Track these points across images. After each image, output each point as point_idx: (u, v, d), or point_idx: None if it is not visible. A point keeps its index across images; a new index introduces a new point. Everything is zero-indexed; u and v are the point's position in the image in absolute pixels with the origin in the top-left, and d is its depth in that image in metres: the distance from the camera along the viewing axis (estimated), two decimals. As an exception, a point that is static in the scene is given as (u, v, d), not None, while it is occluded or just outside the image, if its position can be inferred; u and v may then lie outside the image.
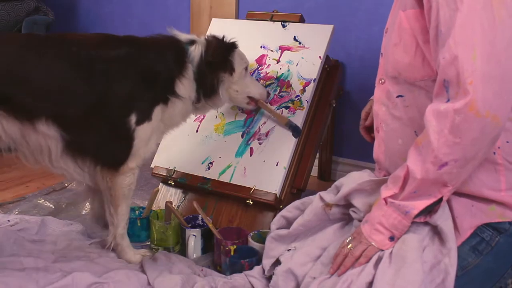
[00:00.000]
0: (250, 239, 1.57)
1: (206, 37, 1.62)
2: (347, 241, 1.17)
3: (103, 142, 1.46)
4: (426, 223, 1.12)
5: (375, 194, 1.20)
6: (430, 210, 1.10)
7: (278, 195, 1.72)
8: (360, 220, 1.21)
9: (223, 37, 1.64)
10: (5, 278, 1.36)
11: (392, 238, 1.11)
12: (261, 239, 1.54)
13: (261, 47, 2.03)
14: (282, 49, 1.99)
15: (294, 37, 1.97)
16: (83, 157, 1.47)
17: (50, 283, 1.36)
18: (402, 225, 1.11)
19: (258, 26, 2.08)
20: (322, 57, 1.89)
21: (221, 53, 1.60)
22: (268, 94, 1.80)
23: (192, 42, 1.58)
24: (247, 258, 1.49)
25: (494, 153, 1.12)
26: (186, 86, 1.54)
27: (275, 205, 1.72)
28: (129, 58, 1.46)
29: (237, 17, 2.63)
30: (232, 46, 1.65)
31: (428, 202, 1.09)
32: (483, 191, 1.13)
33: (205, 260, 1.63)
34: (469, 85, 0.98)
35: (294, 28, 1.99)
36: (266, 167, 1.78)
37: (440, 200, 1.09)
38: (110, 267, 1.50)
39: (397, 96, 1.22)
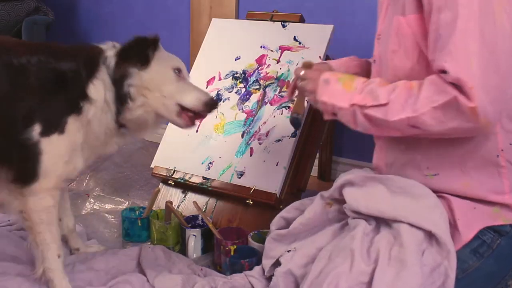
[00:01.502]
0: (250, 239, 1.57)
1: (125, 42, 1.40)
2: (302, 74, 1.29)
3: (6, 155, 1.27)
4: (419, 229, 1.12)
5: (365, 188, 1.20)
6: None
7: (278, 195, 1.72)
8: (351, 217, 1.22)
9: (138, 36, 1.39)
10: (5, 282, 1.36)
11: (335, 114, 1.22)
12: (261, 239, 1.54)
13: (261, 47, 2.03)
14: (282, 49, 1.99)
15: (294, 37, 1.97)
16: None
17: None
18: (361, 104, 1.15)
19: (258, 26, 2.08)
20: (322, 57, 1.89)
21: (134, 46, 1.36)
22: (208, 104, 1.40)
23: (113, 46, 1.39)
24: (247, 258, 1.49)
25: (498, 155, 1.12)
26: (98, 88, 1.32)
27: (275, 205, 1.72)
28: (36, 63, 1.28)
29: (237, 17, 2.63)
30: (152, 41, 1.38)
31: (382, 132, 1.21)
32: (486, 195, 1.13)
33: (205, 260, 1.63)
34: (470, 89, 0.98)
35: (294, 28, 1.99)
36: (266, 167, 1.78)
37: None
38: (110, 267, 1.50)
39: None
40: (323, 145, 2.33)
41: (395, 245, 1.11)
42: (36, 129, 1.25)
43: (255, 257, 1.49)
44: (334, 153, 2.43)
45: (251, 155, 1.82)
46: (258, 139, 1.84)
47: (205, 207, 1.85)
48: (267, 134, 1.83)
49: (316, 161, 2.32)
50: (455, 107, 1.01)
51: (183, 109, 1.38)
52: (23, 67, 1.26)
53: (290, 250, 1.35)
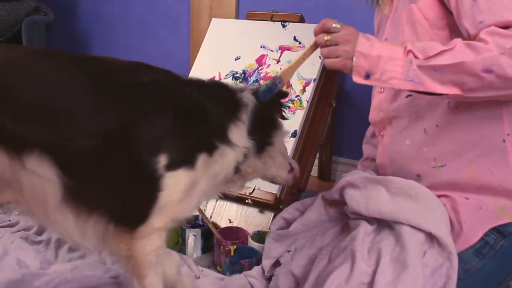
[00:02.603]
0: (250, 239, 1.57)
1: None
2: (335, 25, 1.10)
3: (119, 190, 1.04)
4: (419, 230, 1.12)
5: (365, 190, 1.20)
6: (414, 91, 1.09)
7: (278, 195, 1.72)
8: (351, 218, 1.22)
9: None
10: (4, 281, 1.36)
11: (368, 76, 1.08)
12: (261, 239, 1.54)
13: (261, 47, 2.03)
14: (282, 49, 1.99)
15: (294, 37, 1.98)
16: (88, 211, 1.05)
17: (53, 286, 1.36)
18: (388, 78, 1.07)
19: (258, 26, 2.08)
20: (322, 57, 1.88)
21: (278, 99, 1.25)
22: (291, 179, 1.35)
23: (241, 90, 1.21)
24: (247, 258, 1.49)
25: (504, 140, 1.12)
26: (241, 132, 1.15)
27: (275, 205, 1.72)
28: (167, 86, 1.11)
29: (237, 17, 2.63)
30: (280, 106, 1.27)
31: (434, 88, 1.05)
32: (494, 182, 1.13)
33: (205, 260, 1.63)
34: None
35: (294, 28, 1.99)
36: (266, 167, 1.78)
37: (427, 92, 1.07)
38: (109, 267, 1.50)
39: (406, 96, 1.23)
40: (323, 145, 2.33)
41: (396, 247, 1.11)
42: (162, 160, 1.04)
43: (255, 257, 1.49)
44: (334, 153, 2.43)
45: (251, 155, 1.82)
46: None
47: (205, 207, 1.85)
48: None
49: (316, 161, 2.32)
50: None
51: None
52: (155, 87, 1.09)
53: (290, 250, 1.35)
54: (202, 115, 1.11)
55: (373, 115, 1.37)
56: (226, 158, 1.14)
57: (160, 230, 1.10)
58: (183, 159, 1.07)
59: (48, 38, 3.06)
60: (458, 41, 1.04)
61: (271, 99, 1.19)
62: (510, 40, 0.98)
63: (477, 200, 1.15)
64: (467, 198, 1.16)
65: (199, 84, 1.17)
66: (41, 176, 0.99)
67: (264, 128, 1.21)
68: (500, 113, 1.12)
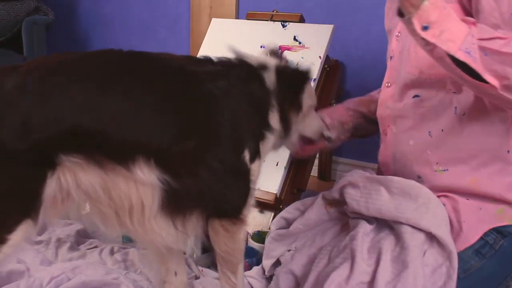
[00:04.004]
0: (250, 239, 1.57)
1: (276, 63, 1.27)
2: None
3: (217, 187, 1.09)
4: (419, 230, 1.12)
5: (365, 189, 1.20)
6: (463, 65, 1.01)
7: (278, 195, 1.72)
8: (351, 217, 1.22)
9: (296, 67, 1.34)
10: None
11: (425, 28, 0.99)
12: (261, 239, 1.54)
13: (261, 47, 2.03)
14: (282, 49, 1.99)
15: (294, 37, 1.97)
16: (186, 213, 1.09)
17: (55, 285, 1.36)
18: (446, 39, 1.00)
19: (258, 26, 2.08)
20: (322, 57, 1.89)
21: (296, 85, 1.30)
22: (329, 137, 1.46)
23: (263, 67, 1.24)
24: (247, 258, 1.49)
25: (508, 151, 1.12)
26: (276, 117, 1.22)
27: (275, 205, 1.71)
28: (235, 84, 1.14)
29: (237, 17, 2.63)
30: (306, 76, 1.33)
31: (481, 70, 1.00)
32: (495, 192, 1.14)
33: (205, 260, 1.63)
34: None
35: (294, 28, 1.99)
36: (266, 167, 1.76)
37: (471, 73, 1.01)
38: (109, 267, 1.50)
39: (413, 97, 1.22)
40: (323, 145, 2.33)
41: (396, 246, 1.11)
42: (246, 155, 1.12)
43: (255, 257, 1.49)
44: (334, 153, 2.43)
45: (251, 155, 1.82)
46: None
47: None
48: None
49: (316, 161, 2.32)
50: None
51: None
52: (227, 87, 1.13)
53: (290, 250, 1.35)
54: (258, 106, 1.18)
55: (380, 111, 1.36)
56: (269, 142, 1.22)
57: (248, 216, 1.18)
58: (256, 151, 1.16)
59: (48, 38, 3.07)
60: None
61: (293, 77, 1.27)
62: None
63: (477, 201, 1.15)
64: (467, 199, 1.16)
65: (239, 68, 1.20)
66: (143, 182, 1.00)
67: (287, 107, 1.25)
68: (506, 124, 1.12)
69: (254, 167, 1.16)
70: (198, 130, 1.05)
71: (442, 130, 1.18)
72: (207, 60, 1.18)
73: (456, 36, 0.99)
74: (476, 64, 0.99)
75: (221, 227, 1.13)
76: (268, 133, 1.20)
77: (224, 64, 1.18)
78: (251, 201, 1.18)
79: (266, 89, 1.21)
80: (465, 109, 1.15)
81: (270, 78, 1.21)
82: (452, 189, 1.17)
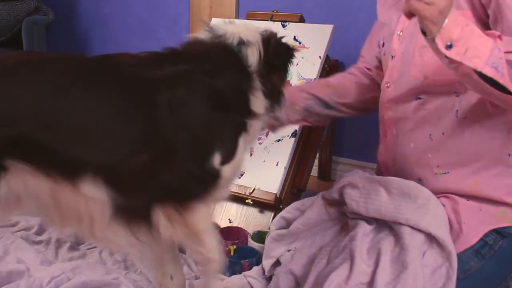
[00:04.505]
0: (250, 239, 1.57)
1: (261, 34, 1.20)
2: None
3: (175, 192, 1.05)
4: (419, 231, 1.12)
5: (365, 190, 1.20)
6: (490, 80, 0.99)
7: (278, 195, 1.72)
8: (350, 217, 1.22)
9: (279, 36, 1.26)
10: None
11: (450, 47, 0.98)
12: (261, 239, 1.54)
13: (261, 47, 2.03)
14: (282, 49, 1.99)
15: (294, 37, 1.97)
16: (141, 223, 1.04)
17: (55, 285, 1.36)
18: (472, 56, 0.98)
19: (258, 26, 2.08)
20: (322, 57, 1.89)
21: (283, 55, 1.26)
22: None
23: (242, 43, 1.16)
24: (247, 258, 1.49)
25: (509, 154, 1.12)
26: (260, 100, 1.16)
27: (275, 205, 1.72)
28: (196, 89, 1.07)
29: (237, 17, 2.62)
30: (293, 51, 1.29)
31: (509, 84, 0.99)
32: (495, 195, 1.13)
33: (205, 260, 1.63)
34: None
35: (294, 28, 1.99)
36: (266, 167, 1.78)
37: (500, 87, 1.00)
38: (109, 267, 1.50)
39: (416, 99, 1.22)
40: (323, 145, 2.33)
41: (396, 247, 1.11)
42: (217, 159, 1.06)
43: (255, 257, 1.49)
44: (334, 153, 2.43)
45: (251, 155, 1.82)
46: (258, 139, 1.84)
47: (205, 207, 1.85)
48: (267, 134, 1.83)
49: (316, 161, 2.32)
50: None
51: None
52: (179, 82, 1.06)
53: (290, 250, 1.35)
54: (229, 101, 1.10)
55: (380, 112, 1.36)
56: (256, 127, 1.16)
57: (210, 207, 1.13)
58: (232, 149, 1.10)
59: (48, 38, 3.06)
60: None
61: (278, 52, 1.19)
62: None
63: (477, 203, 1.15)
64: (467, 200, 1.16)
65: (210, 61, 1.12)
66: (91, 198, 0.96)
67: (275, 81, 1.20)
68: (507, 127, 1.12)
69: (226, 170, 1.09)
70: (151, 143, 1.00)
71: (443, 133, 1.18)
72: (170, 57, 1.10)
73: (481, 52, 0.97)
74: (504, 79, 0.97)
75: (170, 218, 1.06)
76: (251, 121, 1.14)
77: (189, 59, 1.10)
78: (211, 202, 1.12)
79: (245, 73, 1.14)
80: (467, 113, 1.14)
81: (252, 55, 1.15)
82: (453, 191, 1.17)
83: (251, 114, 1.13)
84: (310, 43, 1.94)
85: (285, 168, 1.75)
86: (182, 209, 1.06)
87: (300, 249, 1.32)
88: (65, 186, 0.95)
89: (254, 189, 1.75)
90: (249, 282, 1.41)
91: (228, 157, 1.09)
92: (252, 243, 1.56)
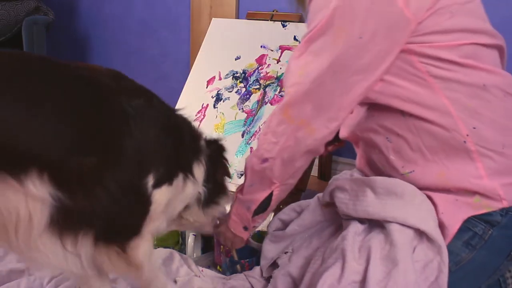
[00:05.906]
0: (250, 239, 1.57)
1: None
2: (217, 222, 1.36)
3: (111, 209, 1.01)
4: (408, 227, 1.12)
5: (352, 192, 1.21)
6: (265, 207, 1.26)
7: (278, 195, 1.72)
8: (344, 218, 1.23)
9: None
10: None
11: (245, 228, 1.31)
12: (261, 239, 1.53)
13: (261, 47, 2.03)
14: (282, 48, 1.99)
15: (294, 37, 1.98)
16: (78, 233, 1.00)
17: (55, 285, 1.36)
18: (247, 218, 1.28)
19: (258, 26, 2.08)
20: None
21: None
22: None
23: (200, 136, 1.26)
24: (247, 258, 1.49)
25: (465, 141, 1.12)
26: (201, 174, 1.21)
27: (275, 205, 1.72)
28: (152, 105, 1.09)
29: (237, 17, 2.63)
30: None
31: (262, 196, 1.24)
32: (465, 183, 1.12)
33: (205, 260, 1.63)
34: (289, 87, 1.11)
35: (294, 28, 2.00)
36: (266, 167, 1.78)
37: (271, 196, 1.23)
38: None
39: (368, 109, 1.23)
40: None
41: (386, 244, 1.11)
42: (150, 180, 1.05)
43: (255, 257, 1.49)
44: (334, 153, 2.43)
45: (251, 155, 1.82)
46: (258, 139, 1.84)
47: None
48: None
49: (316, 161, 2.32)
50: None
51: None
52: (145, 106, 1.07)
53: (287, 252, 1.35)
54: (179, 139, 1.13)
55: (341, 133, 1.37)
56: (189, 189, 1.18)
57: (148, 239, 1.12)
58: (167, 177, 1.10)
59: (48, 38, 3.07)
60: None
61: (215, 161, 1.28)
62: (273, 119, 1.19)
63: (451, 195, 1.15)
64: (441, 193, 1.15)
65: (168, 112, 1.16)
66: (34, 197, 0.91)
67: (215, 186, 1.29)
68: (451, 115, 1.11)
69: (158, 194, 1.07)
70: (100, 147, 0.98)
71: (398, 134, 1.18)
72: (132, 86, 1.11)
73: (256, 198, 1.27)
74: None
75: (109, 250, 1.06)
76: (189, 177, 1.16)
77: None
78: (148, 234, 1.10)
79: (196, 140, 1.21)
80: (407, 112, 1.14)
81: (203, 146, 1.23)
82: (424, 187, 1.17)
83: (191, 173, 1.16)
84: (310, 43, 1.94)
85: (285, 168, 1.75)
86: (121, 250, 1.07)
87: (297, 251, 1.32)
88: (9, 183, 0.89)
89: (254, 189, 1.74)
90: (249, 282, 1.41)
91: (160, 182, 1.07)
92: (252, 243, 1.56)
